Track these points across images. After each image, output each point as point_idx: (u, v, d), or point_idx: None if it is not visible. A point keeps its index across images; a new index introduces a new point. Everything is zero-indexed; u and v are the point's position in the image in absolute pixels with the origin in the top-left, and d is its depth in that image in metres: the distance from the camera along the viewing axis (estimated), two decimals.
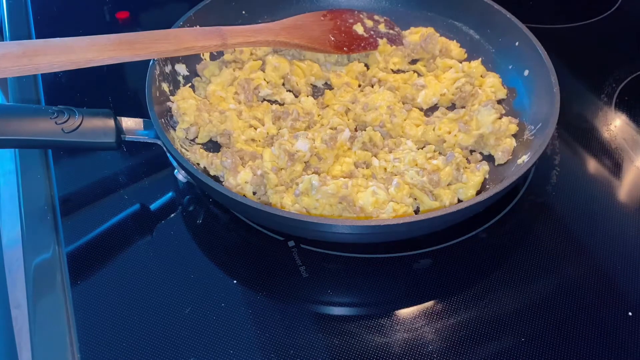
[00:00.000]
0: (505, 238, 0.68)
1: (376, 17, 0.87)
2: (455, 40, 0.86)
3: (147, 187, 0.71)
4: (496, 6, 0.82)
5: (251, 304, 0.61)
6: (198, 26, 0.78)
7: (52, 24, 0.95)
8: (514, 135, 0.73)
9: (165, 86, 0.74)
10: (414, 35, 0.85)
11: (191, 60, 0.80)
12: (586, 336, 0.58)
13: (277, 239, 0.66)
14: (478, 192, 0.68)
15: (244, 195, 0.64)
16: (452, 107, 0.79)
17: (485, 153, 0.73)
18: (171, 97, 0.74)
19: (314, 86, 0.82)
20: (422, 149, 0.71)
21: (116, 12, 0.98)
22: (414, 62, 0.84)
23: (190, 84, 0.78)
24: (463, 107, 0.77)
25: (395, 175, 0.67)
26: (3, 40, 1.00)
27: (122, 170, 0.73)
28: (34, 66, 0.59)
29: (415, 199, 0.66)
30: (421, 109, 0.78)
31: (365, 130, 0.72)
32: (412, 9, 0.90)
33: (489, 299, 0.62)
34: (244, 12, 0.87)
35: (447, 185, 0.67)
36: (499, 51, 0.83)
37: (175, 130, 0.72)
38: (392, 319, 0.60)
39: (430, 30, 0.85)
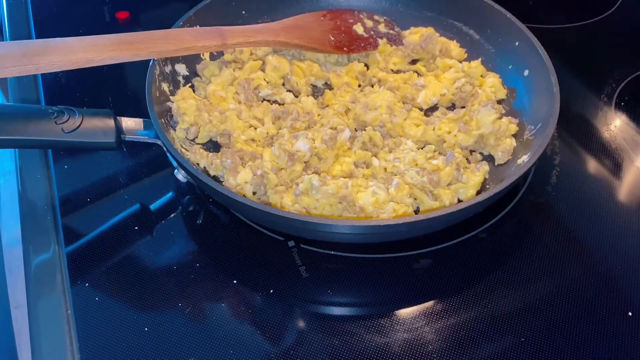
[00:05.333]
0: (505, 238, 0.68)
1: (376, 17, 0.87)
2: (455, 40, 0.86)
3: (147, 187, 0.71)
4: (496, 6, 0.82)
5: (251, 304, 0.61)
6: (198, 26, 0.78)
7: (52, 24, 0.95)
8: (514, 135, 0.73)
9: (165, 86, 0.74)
10: (414, 35, 0.85)
11: (191, 60, 0.80)
12: (586, 336, 0.58)
13: (277, 239, 0.66)
14: (478, 192, 0.68)
15: (244, 195, 0.64)
16: (452, 107, 0.79)
17: (485, 153, 0.73)
18: (171, 97, 0.74)
19: (314, 86, 0.82)
20: (422, 149, 0.71)
21: (116, 12, 0.98)
22: (414, 62, 0.84)
23: (190, 84, 0.78)
24: (463, 107, 0.77)
25: (395, 175, 0.67)
26: (3, 40, 1.00)
27: (122, 170, 0.73)
28: (34, 66, 0.59)
29: (415, 199, 0.66)
30: (421, 109, 0.78)
31: (365, 130, 0.72)
32: (412, 9, 0.90)
33: (489, 299, 0.62)
34: (244, 12, 0.87)
35: (447, 185, 0.67)
36: (499, 51, 0.83)
37: (175, 130, 0.72)
38: (392, 319, 0.60)
39: (430, 30, 0.85)
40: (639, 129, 0.80)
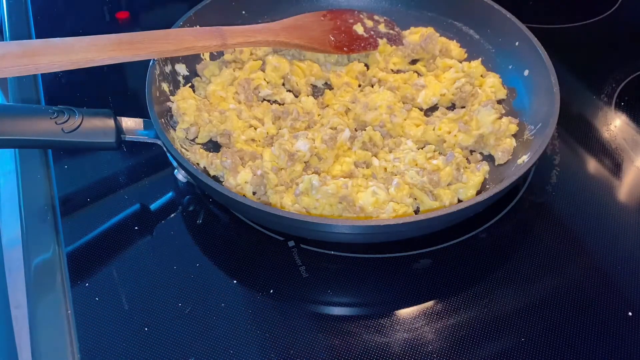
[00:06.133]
0: (505, 238, 0.68)
1: (376, 17, 0.87)
2: (455, 40, 0.86)
3: (147, 187, 0.71)
4: (496, 6, 0.82)
5: (251, 304, 0.61)
6: (198, 26, 0.78)
7: (52, 24, 0.95)
8: (514, 135, 0.73)
9: (165, 86, 0.74)
10: (414, 35, 0.85)
11: (191, 60, 0.80)
12: (586, 336, 0.58)
13: (277, 239, 0.66)
14: (478, 192, 0.68)
15: (244, 195, 0.64)
16: (452, 107, 0.79)
17: (485, 153, 0.73)
18: (171, 97, 0.74)
19: (314, 86, 0.82)
20: (422, 149, 0.71)
21: (116, 12, 0.98)
22: (414, 62, 0.84)
23: (190, 84, 0.78)
24: (463, 107, 0.77)
25: (395, 175, 0.67)
26: (3, 40, 1.00)
27: (122, 170, 0.73)
28: (34, 66, 0.59)
29: (415, 199, 0.66)
30: (421, 109, 0.78)
31: (365, 130, 0.72)
32: (412, 9, 0.90)
33: (489, 299, 0.62)
34: (244, 12, 0.87)
35: (447, 185, 0.67)
36: (499, 51, 0.83)
37: (175, 130, 0.72)
38: (392, 319, 0.60)
39: (430, 30, 0.85)
40: (639, 129, 0.80)
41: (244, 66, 0.80)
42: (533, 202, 0.71)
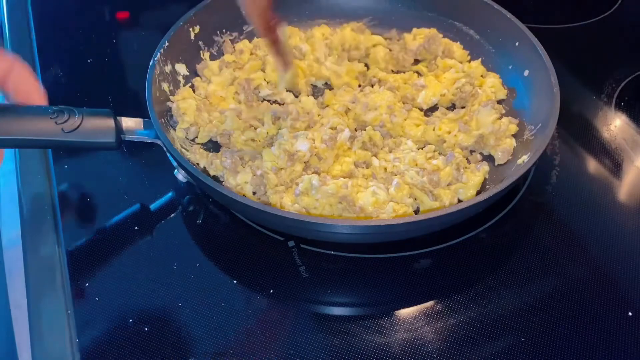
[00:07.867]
0: (505, 238, 0.68)
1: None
2: (458, 42, 0.86)
3: (147, 187, 0.71)
4: (496, 6, 0.82)
5: (251, 304, 0.61)
6: (198, 26, 0.78)
7: (52, 24, 0.95)
8: (514, 135, 0.73)
9: (165, 86, 0.74)
10: (418, 36, 0.85)
11: (191, 60, 0.80)
12: (586, 336, 0.58)
13: (277, 239, 0.66)
14: (478, 192, 0.68)
15: (244, 195, 0.64)
16: (452, 107, 0.79)
17: (485, 153, 0.73)
18: (171, 97, 0.74)
19: (314, 86, 0.82)
20: (422, 149, 0.71)
21: (116, 12, 0.98)
22: (415, 62, 0.84)
23: (190, 84, 0.78)
24: (463, 107, 0.77)
25: (395, 175, 0.67)
26: (3, 41, 1.00)
27: (122, 170, 0.73)
28: None
29: (415, 199, 0.66)
30: (421, 109, 0.78)
31: (365, 130, 0.72)
32: (412, 9, 0.89)
33: (489, 299, 0.62)
34: (244, 12, 0.86)
35: (447, 185, 0.67)
36: (499, 51, 0.83)
37: (175, 130, 0.72)
38: (392, 319, 0.60)
39: (433, 31, 0.85)
40: (639, 129, 0.80)
41: (244, 66, 0.80)
42: (533, 202, 0.71)
